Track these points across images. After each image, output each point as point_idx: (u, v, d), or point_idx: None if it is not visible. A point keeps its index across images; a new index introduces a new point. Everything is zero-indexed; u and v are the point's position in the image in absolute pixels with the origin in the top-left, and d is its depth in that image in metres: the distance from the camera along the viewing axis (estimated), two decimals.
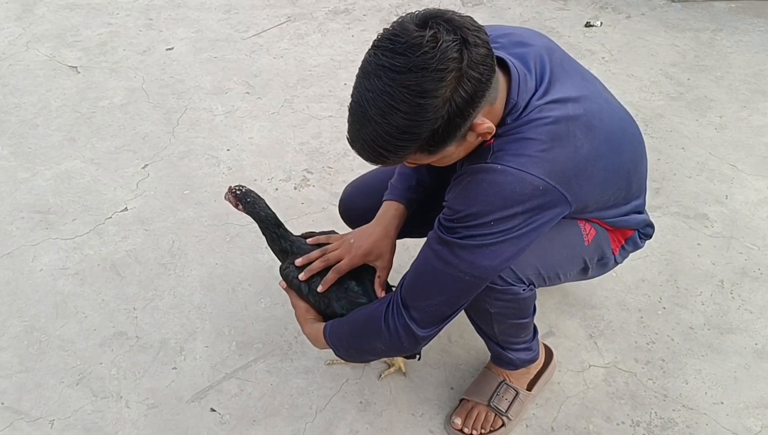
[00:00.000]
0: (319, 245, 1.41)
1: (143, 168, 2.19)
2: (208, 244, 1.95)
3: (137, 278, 1.84)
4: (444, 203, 1.14)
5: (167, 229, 1.99)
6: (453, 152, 1.07)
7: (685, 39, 2.87)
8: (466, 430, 1.48)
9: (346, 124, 1.06)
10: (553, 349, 1.63)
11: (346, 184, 2.14)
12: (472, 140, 1.06)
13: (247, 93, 2.54)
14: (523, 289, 1.28)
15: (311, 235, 1.50)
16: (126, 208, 2.05)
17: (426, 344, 1.25)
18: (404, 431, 1.52)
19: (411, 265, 1.22)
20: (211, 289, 1.82)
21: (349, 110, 1.04)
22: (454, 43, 0.94)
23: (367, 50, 1.01)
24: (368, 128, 1.00)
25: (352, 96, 1.02)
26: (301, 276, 1.36)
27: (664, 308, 1.77)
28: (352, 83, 1.04)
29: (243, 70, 2.67)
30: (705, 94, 2.55)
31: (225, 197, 1.43)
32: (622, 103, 1.29)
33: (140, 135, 2.33)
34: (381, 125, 0.98)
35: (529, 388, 1.54)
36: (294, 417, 1.54)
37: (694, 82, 2.61)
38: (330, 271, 1.35)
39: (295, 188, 2.13)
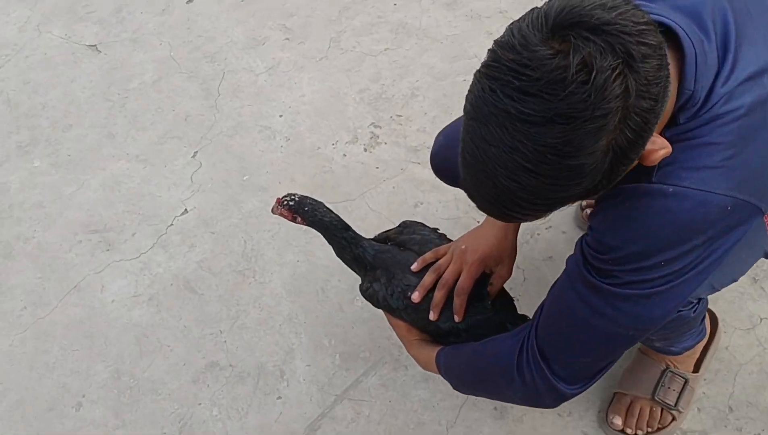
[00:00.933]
0: (426, 268, 1.15)
1: (193, 157, 1.95)
2: (282, 237, 1.72)
3: (215, 293, 1.65)
4: (589, 230, 0.84)
5: (235, 228, 1.76)
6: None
7: None
8: (629, 431, 1.26)
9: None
10: (714, 310, 1.35)
11: (420, 133, 1.88)
12: (634, 164, 0.75)
13: (287, 39, 2.21)
14: (694, 311, 1.02)
15: (387, 236, 1.25)
16: (186, 210, 1.83)
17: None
18: None
19: (547, 300, 0.94)
20: (298, 292, 1.61)
21: (460, 156, 0.73)
22: (616, 73, 0.61)
23: (475, 73, 0.68)
24: (492, 189, 0.70)
25: (462, 140, 0.71)
26: (431, 317, 1.12)
27: None
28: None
29: (276, 10, 2.32)
30: None
31: (274, 211, 1.18)
32: None
33: (181, 116, 2.07)
34: (511, 190, 0.68)
35: (696, 369, 1.28)
36: None
37: None
38: (455, 297, 1.10)
39: (366, 150, 1.85)
